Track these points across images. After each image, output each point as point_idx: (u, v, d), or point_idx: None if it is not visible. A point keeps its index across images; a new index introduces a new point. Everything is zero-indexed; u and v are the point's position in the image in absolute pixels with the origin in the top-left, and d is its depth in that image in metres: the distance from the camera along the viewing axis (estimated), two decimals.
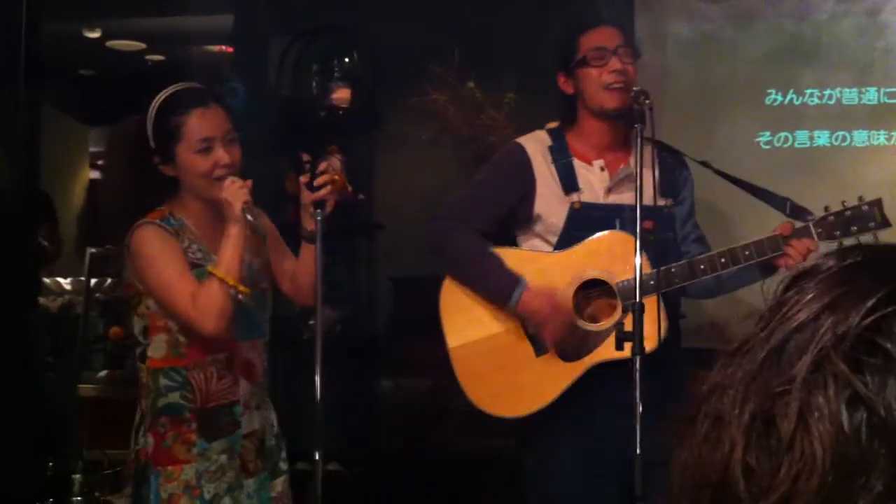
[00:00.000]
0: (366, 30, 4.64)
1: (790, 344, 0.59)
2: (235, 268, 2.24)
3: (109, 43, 6.41)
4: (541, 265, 2.55)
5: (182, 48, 6.32)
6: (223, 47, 5.89)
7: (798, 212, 2.46)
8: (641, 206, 2.23)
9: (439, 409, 4.20)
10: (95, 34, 6.18)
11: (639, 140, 2.29)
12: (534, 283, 2.50)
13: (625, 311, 2.41)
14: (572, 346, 2.49)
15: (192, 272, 2.28)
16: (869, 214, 2.38)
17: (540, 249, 2.58)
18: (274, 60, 4.75)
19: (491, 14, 4.59)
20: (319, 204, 2.34)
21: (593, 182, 2.55)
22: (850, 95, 4.09)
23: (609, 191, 2.55)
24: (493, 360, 2.57)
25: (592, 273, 2.48)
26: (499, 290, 2.51)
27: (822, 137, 4.10)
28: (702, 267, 2.41)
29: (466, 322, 2.60)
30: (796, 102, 4.14)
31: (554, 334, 2.48)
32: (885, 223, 2.40)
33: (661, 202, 2.48)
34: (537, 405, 2.51)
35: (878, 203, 2.40)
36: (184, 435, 2.30)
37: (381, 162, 4.87)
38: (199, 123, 2.28)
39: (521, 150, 2.60)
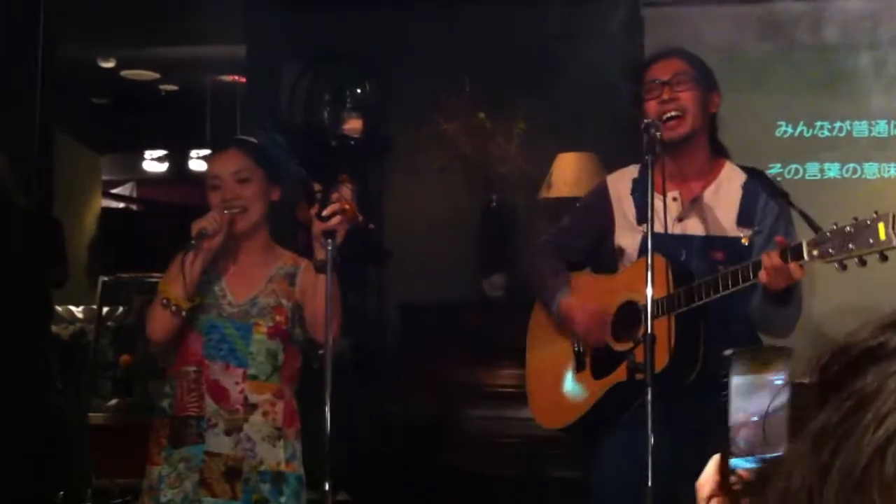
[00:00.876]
0: (377, 60, 4.68)
1: (895, 447, 0.52)
2: (173, 283, 2.47)
3: (124, 72, 6.48)
4: (593, 286, 2.66)
5: (196, 78, 6.37)
6: (236, 77, 5.94)
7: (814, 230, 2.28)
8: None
9: (448, 433, 4.19)
10: (110, 63, 6.25)
11: (650, 172, 2.28)
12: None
13: (641, 337, 2.40)
14: (602, 363, 2.56)
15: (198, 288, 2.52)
16: (870, 231, 2.07)
17: None
18: (286, 90, 4.78)
19: (502, 45, 4.62)
20: (330, 234, 2.38)
21: (664, 212, 2.52)
22: (860, 128, 4.10)
23: (679, 220, 2.53)
24: (547, 375, 2.72)
25: (627, 295, 2.52)
26: (547, 293, 2.66)
27: (833, 170, 4.11)
28: (705, 289, 2.33)
29: (542, 340, 2.75)
30: (807, 135, 4.15)
31: (587, 332, 2.56)
32: (889, 242, 2.05)
33: (735, 232, 2.44)
34: (569, 419, 2.64)
35: (884, 218, 2.05)
36: (159, 438, 2.52)
37: (391, 190, 4.89)
38: (212, 162, 2.65)
39: (603, 186, 2.70)
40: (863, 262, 2.10)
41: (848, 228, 2.10)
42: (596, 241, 2.69)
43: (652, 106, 2.50)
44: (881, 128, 4.07)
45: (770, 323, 2.47)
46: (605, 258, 2.70)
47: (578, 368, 2.63)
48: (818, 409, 0.56)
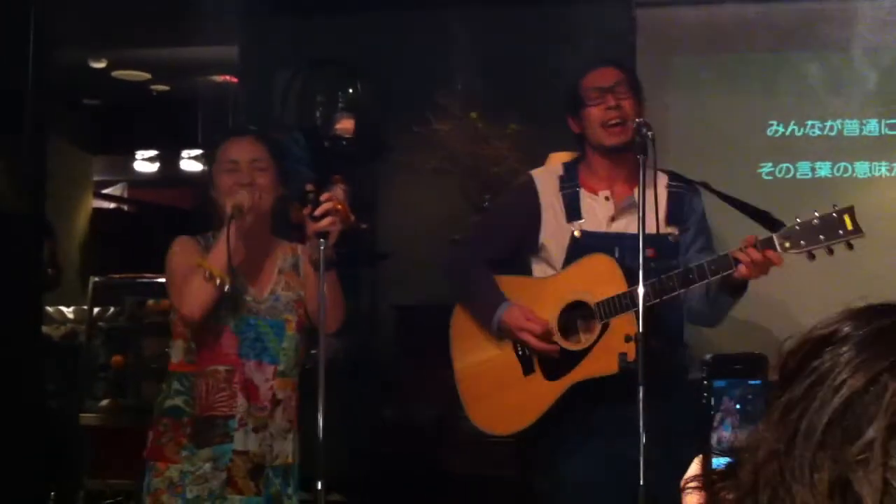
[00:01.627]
0: (370, 60, 4.68)
1: (854, 408, 0.60)
2: (218, 258, 2.39)
3: (115, 73, 6.46)
4: (532, 290, 2.66)
5: (187, 78, 6.36)
6: (228, 77, 5.94)
7: (776, 225, 2.42)
8: (644, 233, 2.28)
9: (443, 436, 4.19)
10: (101, 64, 6.23)
11: (641, 171, 2.32)
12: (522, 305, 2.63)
13: (603, 329, 2.49)
14: (555, 365, 2.56)
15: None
16: (839, 222, 2.28)
17: (547, 274, 2.67)
18: (278, 91, 4.78)
19: (494, 45, 4.63)
20: (323, 234, 2.40)
21: (597, 211, 2.63)
22: (851, 127, 4.12)
23: (612, 219, 2.62)
24: (488, 380, 2.69)
25: (575, 295, 2.56)
26: (485, 311, 2.65)
27: (824, 168, 4.12)
28: (671, 284, 2.42)
29: (471, 346, 2.72)
30: (798, 134, 4.17)
31: (537, 344, 2.56)
32: (857, 231, 2.28)
33: (666, 230, 2.52)
34: (523, 424, 2.61)
35: (848, 210, 2.29)
36: (178, 438, 2.46)
37: (384, 191, 4.89)
38: (230, 147, 2.56)
39: (530, 182, 2.71)
40: (830, 252, 2.31)
41: (815, 221, 2.30)
42: (520, 240, 2.71)
43: (595, 112, 2.60)
44: (872, 127, 4.09)
45: (711, 315, 2.62)
46: (522, 257, 2.72)
47: (526, 371, 2.62)
48: (783, 391, 0.65)
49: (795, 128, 4.15)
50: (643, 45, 4.37)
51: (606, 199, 2.63)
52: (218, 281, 2.38)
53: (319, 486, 2.30)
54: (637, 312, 2.32)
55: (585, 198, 2.65)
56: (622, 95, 2.60)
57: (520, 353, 2.63)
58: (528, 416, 2.60)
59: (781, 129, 4.18)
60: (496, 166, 4.41)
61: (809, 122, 4.13)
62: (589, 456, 2.50)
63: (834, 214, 2.29)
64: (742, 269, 2.34)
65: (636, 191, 2.51)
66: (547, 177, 2.71)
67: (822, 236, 2.30)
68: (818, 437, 0.60)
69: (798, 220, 2.33)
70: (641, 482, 2.12)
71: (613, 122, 2.57)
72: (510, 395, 2.64)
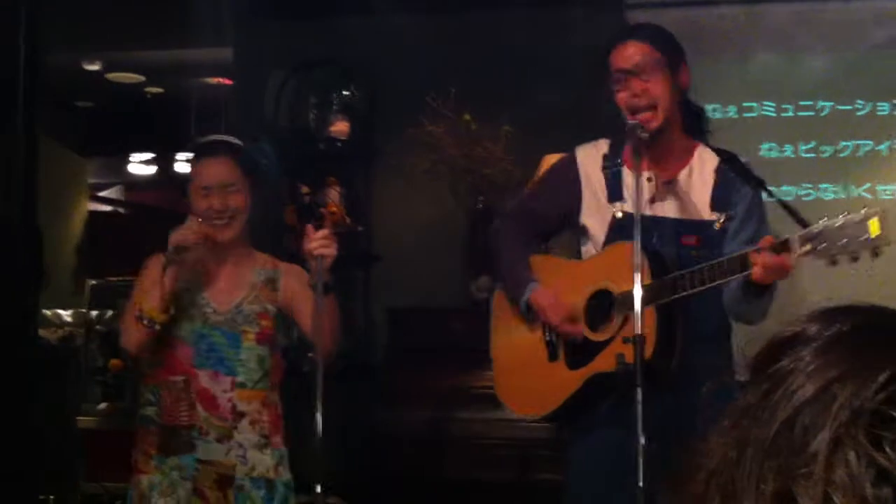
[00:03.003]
0: (364, 63, 4.68)
1: (802, 417, 0.58)
2: (147, 296, 2.45)
3: (109, 75, 6.45)
4: (564, 273, 2.56)
5: (181, 81, 6.35)
6: (222, 80, 5.93)
7: (801, 224, 2.21)
8: (678, 219, 2.24)
9: (437, 439, 4.19)
10: (95, 66, 6.22)
11: (636, 174, 2.26)
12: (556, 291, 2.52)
13: (623, 323, 2.35)
14: (577, 354, 2.48)
15: (174, 300, 2.49)
16: (863, 225, 2.02)
17: (590, 255, 2.54)
18: (273, 93, 4.78)
19: (487, 47, 4.63)
20: (321, 273, 2.41)
21: (634, 191, 2.37)
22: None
23: (652, 201, 2.43)
24: (517, 361, 2.64)
25: (602, 284, 2.43)
26: (515, 290, 2.58)
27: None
28: (688, 279, 2.25)
29: (507, 325, 2.67)
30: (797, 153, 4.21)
31: (559, 325, 2.46)
32: (883, 238, 2.01)
33: (710, 216, 2.39)
34: (544, 410, 2.58)
35: (877, 213, 2.02)
36: (147, 448, 2.52)
37: (378, 193, 4.90)
38: (203, 170, 2.57)
39: (572, 160, 2.55)
40: (854, 258, 2.04)
41: (839, 224, 2.05)
42: (562, 218, 2.59)
43: (622, 98, 2.39)
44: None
45: (748, 314, 2.40)
46: (567, 236, 2.64)
47: (551, 358, 2.54)
48: (743, 394, 0.63)
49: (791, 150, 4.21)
50: None
51: (649, 179, 2.42)
52: (146, 321, 2.43)
53: (319, 489, 2.30)
54: (656, 307, 2.24)
55: (627, 177, 2.44)
56: (648, 77, 2.36)
57: (547, 338, 2.55)
58: (550, 403, 2.54)
59: (774, 114, 4.23)
60: (489, 168, 4.42)
61: (805, 114, 4.19)
62: (603, 448, 2.41)
63: (858, 218, 2.03)
64: (757, 271, 2.14)
65: (683, 171, 2.43)
66: (590, 152, 2.53)
67: (844, 240, 2.04)
68: (766, 447, 0.59)
69: (821, 221, 2.08)
70: (640, 483, 2.08)
71: (640, 107, 2.35)
72: (534, 379, 2.60)
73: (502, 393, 2.69)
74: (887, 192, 4.11)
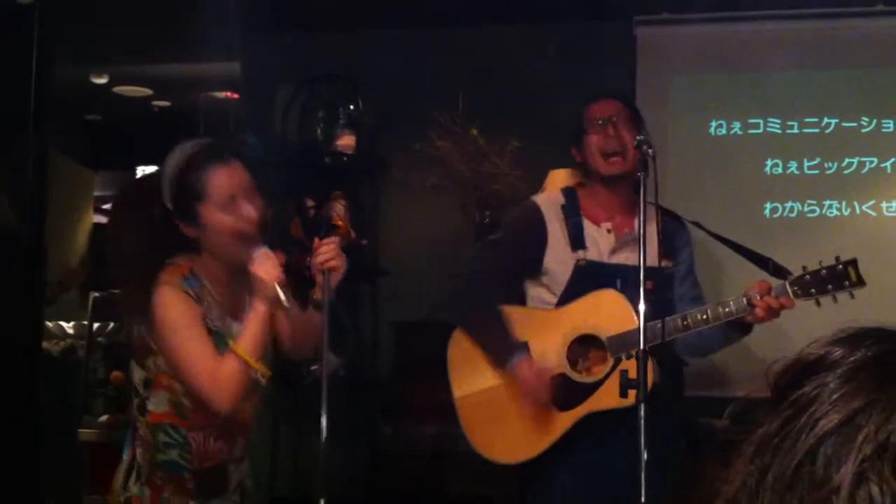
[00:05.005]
0: (371, 77, 4.69)
1: (825, 448, 0.56)
2: (259, 348, 2.17)
3: (116, 88, 6.48)
4: (541, 322, 2.70)
5: (188, 94, 6.38)
6: (229, 93, 5.95)
7: (780, 271, 2.59)
8: (645, 263, 2.30)
9: (441, 453, 4.17)
10: (102, 80, 6.25)
11: (643, 187, 2.32)
12: (534, 340, 2.67)
13: (615, 363, 2.55)
14: (566, 396, 2.60)
15: (211, 339, 2.21)
16: (843, 274, 2.48)
17: (544, 300, 2.73)
18: (280, 106, 4.79)
19: (495, 62, 4.64)
20: (328, 287, 2.27)
21: (600, 242, 2.70)
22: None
23: (613, 252, 2.69)
24: (493, 409, 2.70)
25: (585, 329, 2.61)
26: (499, 354, 2.67)
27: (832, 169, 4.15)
28: (685, 323, 2.53)
29: (471, 373, 2.74)
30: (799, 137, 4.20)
31: (537, 401, 2.60)
32: (860, 283, 2.48)
33: (661, 263, 2.58)
34: (531, 453, 2.64)
35: (852, 263, 2.49)
36: (181, 495, 2.25)
37: (384, 208, 4.90)
38: (222, 181, 2.21)
39: (536, 209, 2.77)
40: (835, 299, 2.48)
41: (822, 272, 2.48)
42: (524, 264, 2.76)
43: (595, 140, 2.68)
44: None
45: (716, 349, 2.75)
46: (530, 277, 2.76)
47: None
48: (763, 419, 0.62)
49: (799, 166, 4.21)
50: (643, 63, 4.39)
51: (608, 231, 2.71)
52: (255, 373, 2.16)
53: (322, 502, 2.27)
54: (647, 350, 2.33)
55: (589, 228, 2.72)
56: (623, 128, 2.67)
57: None
58: (536, 446, 2.63)
59: (779, 131, 4.23)
60: (497, 183, 4.41)
61: (810, 130, 4.19)
62: (598, 486, 2.56)
63: (840, 266, 2.48)
64: (759, 313, 2.48)
65: (635, 224, 2.63)
66: (550, 204, 2.77)
67: (829, 286, 2.48)
68: (787, 478, 0.57)
69: (805, 269, 2.50)
70: (643, 499, 2.12)
71: (611, 151, 2.65)
72: (518, 424, 2.66)
73: (480, 444, 2.72)
74: (892, 209, 4.10)
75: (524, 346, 2.65)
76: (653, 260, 2.53)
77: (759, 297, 2.48)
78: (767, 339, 2.74)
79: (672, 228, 2.74)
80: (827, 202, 4.16)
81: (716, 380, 3.67)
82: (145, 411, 2.27)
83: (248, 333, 2.17)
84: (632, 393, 2.24)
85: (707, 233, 2.75)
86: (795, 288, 2.50)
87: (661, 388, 2.52)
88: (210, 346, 2.17)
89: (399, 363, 4.63)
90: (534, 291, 2.76)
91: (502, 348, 2.66)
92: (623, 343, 2.53)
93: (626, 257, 2.66)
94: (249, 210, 2.20)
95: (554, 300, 2.71)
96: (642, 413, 2.17)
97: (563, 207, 2.75)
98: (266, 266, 2.16)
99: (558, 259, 2.70)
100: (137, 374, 2.29)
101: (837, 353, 0.61)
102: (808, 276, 2.50)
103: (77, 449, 4.34)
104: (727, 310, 2.51)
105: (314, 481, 2.33)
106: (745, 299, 2.50)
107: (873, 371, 0.58)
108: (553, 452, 2.63)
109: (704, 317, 2.53)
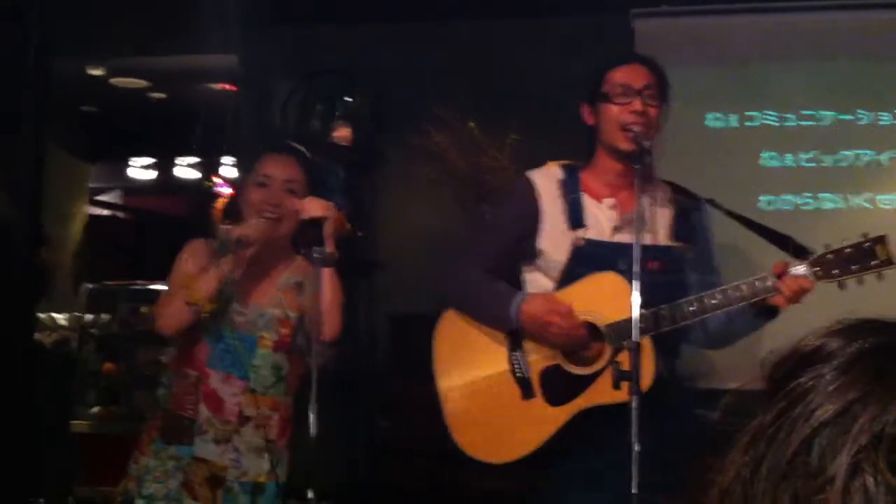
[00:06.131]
0: (369, 70, 4.68)
1: (820, 439, 0.56)
2: (202, 286, 2.40)
3: (113, 80, 6.47)
4: None
5: (186, 87, 6.36)
6: (227, 86, 5.94)
7: (800, 251, 2.31)
8: (640, 245, 2.18)
9: (436, 447, 4.17)
10: (99, 71, 6.23)
11: (637, 182, 2.25)
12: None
13: (614, 353, 2.31)
14: (559, 389, 2.38)
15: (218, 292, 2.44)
16: (870, 252, 2.21)
17: (541, 285, 2.47)
18: (277, 100, 4.78)
19: (493, 56, 4.63)
20: (318, 241, 2.35)
21: (601, 219, 2.44)
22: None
23: (616, 230, 2.43)
24: (480, 403, 2.47)
25: (582, 316, 2.36)
26: (498, 307, 2.41)
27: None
28: (692, 308, 2.29)
29: (457, 364, 2.52)
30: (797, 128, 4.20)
31: (561, 334, 2.35)
32: (890, 262, 2.21)
33: (672, 243, 2.41)
34: (522, 451, 2.41)
35: (881, 240, 2.22)
36: (150, 430, 2.51)
37: (381, 201, 4.89)
38: (267, 164, 2.53)
39: (529, 184, 2.50)
40: (861, 281, 2.20)
41: (847, 251, 2.21)
42: (515, 246, 2.50)
43: (616, 112, 2.40)
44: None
45: (740, 337, 2.47)
46: (525, 260, 2.51)
47: (526, 396, 2.42)
48: (759, 411, 0.61)
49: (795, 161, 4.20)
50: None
51: (611, 207, 2.44)
52: (194, 308, 2.39)
53: (310, 494, 2.27)
54: (651, 337, 2.25)
55: (589, 204, 2.45)
56: (651, 101, 2.40)
57: (518, 374, 2.43)
58: (528, 445, 2.40)
59: (775, 123, 4.22)
60: (494, 176, 4.40)
61: (807, 123, 4.18)
62: (594, 488, 2.31)
63: (867, 244, 2.22)
64: (781, 299, 2.25)
65: (643, 199, 2.39)
66: (546, 179, 2.50)
67: (854, 266, 2.21)
68: (782, 468, 0.57)
69: (828, 247, 2.24)
70: (634, 490, 2.04)
71: (635, 126, 2.36)
72: (506, 421, 2.43)
73: (465, 442, 2.48)
74: (887, 202, 4.09)
75: (520, 292, 2.42)
76: (662, 238, 2.38)
77: (777, 279, 2.24)
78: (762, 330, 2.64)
79: (686, 206, 2.49)
80: (822, 195, 4.15)
81: (708, 371, 3.66)
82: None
83: (199, 273, 2.43)
84: (622, 386, 2.09)
85: (722, 211, 2.48)
86: (817, 269, 2.23)
87: (667, 380, 2.36)
88: (181, 284, 2.44)
89: (395, 356, 4.62)
90: (530, 276, 2.51)
91: (497, 300, 2.41)
92: (623, 331, 2.26)
93: (630, 236, 2.33)
94: (271, 196, 2.46)
95: (552, 285, 2.44)
96: (635, 406, 2.06)
97: (562, 182, 2.47)
98: (247, 225, 2.45)
99: (554, 239, 2.43)
100: None
101: (834, 345, 0.61)
102: (830, 255, 2.23)
103: (70, 440, 4.33)
104: (739, 294, 2.27)
105: (306, 474, 2.32)
106: (758, 282, 2.26)
107: (869, 363, 0.58)
108: (547, 451, 2.40)
109: (714, 301, 2.27)
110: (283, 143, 2.67)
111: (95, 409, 4.50)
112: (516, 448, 2.43)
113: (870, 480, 0.53)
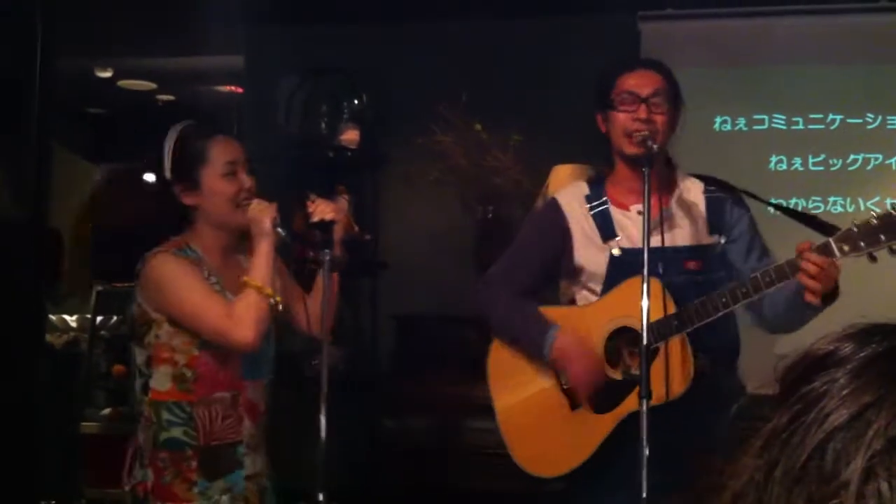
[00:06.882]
0: (374, 72, 4.69)
1: (834, 444, 0.56)
2: (268, 277, 2.23)
3: (120, 82, 6.48)
4: (574, 319, 2.49)
5: (192, 88, 6.38)
6: (233, 88, 5.95)
7: (828, 230, 2.24)
8: (677, 246, 2.22)
9: (442, 447, 4.17)
10: (107, 73, 6.25)
11: (647, 185, 2.23)
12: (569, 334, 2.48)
13: (655, 354, 2.30)
14: (604, 397, 2.41)
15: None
16: None
17: (588, 300, 2.50)
18: (283, 101, 4.79)
19: (499, 57, 4.64)
20: (327, 244, 2.29)
21: (631, 227, 2.45)
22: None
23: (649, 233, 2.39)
24: (533, 419, 2.51)
25: (621, 321, 2.39)
26: (533, 338, 2.47)
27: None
28: (723, 300, 2.26)
29: (512, 384, 2.55)
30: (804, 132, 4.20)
31: (582, 377, 2.40)
32: None
33: (709, 240, 2.40)
34: (575, 462, 2.44)
35: None
36: (184, 472, 2.26)
37: (387, 202, 4.90)
38: (224, 147, 2.32)
39: (554, 205, 2.55)
40: (893, 252, 2.12)
41: (874, 222, 2.12)
42: (552, 265, 2.54)
43: (623, 118, 2.40)
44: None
45: (801, 320, 2.37)
46: (566, 279, 2.55)
47: (574, 406, 2.47)
48: (773, 414, 0.61)
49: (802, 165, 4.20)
50: (646, 57, 4.38)
51: (639, 213, 2.40)
52: (273, 301, 2.22)
53: (321, 497, 2.27)
54: (687, 333, 2.24)
55: (617, 214, 2.48)
56: (656, 109, 2.40)
57: (565, 386, 2.48)
58: (579, 454, 2.42)
59: (783, 127, 4.23)
60: (499, 177, 4.41)
61: (815, 126, 4.18)
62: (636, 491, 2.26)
63: (894, 212, 2.12)
64: (804, 276, 2.16)
65: (672, 200, 2.44)
66: (571, 197, 2.54)
67: (882, 236, 2.11)
68: (796, 472, 0.56)
69: (854, 222, 2.16)
70: (644, 494, 2.06)
71: (639, 134, 2.36)
72: (559, 433, 2.47)
73: (523, 459, 2.52)
74: None
75: (555, 326, 2.44)
76: (696, 237, 2.36)
77: (801, 259, 2.16)
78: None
79: (720, 200, 2.46)
80: (831, 199, 4.15)
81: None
82: (148, 390, 2.28)
83: (256, 266, 2.23)
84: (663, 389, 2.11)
85: (755, 198, 2.44)
86: (841, 244, 2.15)
87: (711, 378, 2.34)
88: (215, 291, 2.24)
89: (400, 356, 4.63)
90: (577, 293, 2.53)
91: (534, 332, 2.45)
92: (660, 332, 2.26)
93: (661, 239, 2.37)
94: (247, 180, 2.30)
95: (595, 300, 2.48)
96: (644, 409, 2.07)
97: (587, 197, 2.50)
98: (259, 208, 2.26)
99: (589, 254, 2.47)
100: (139, 357, 2.32)
101: (847, 349, 0.60)
102: (855, 229, 2.14)
103: (79, 442, 4.34)
104: (769, 279, 2.21)
105: (314, 475, 2.32)
106: (788, 265, 2.20)
107: (883, 367, 0.58)
108: (598, 462, 2.41)
109: (745, 290, 2.23)
110: (214, 126, 2.41)
111: (105, 411, 4.51)
112: (569, 460, 2.45)
113: (884, 485, 0.53)
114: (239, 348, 2.22)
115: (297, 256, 4.04)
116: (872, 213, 2.15)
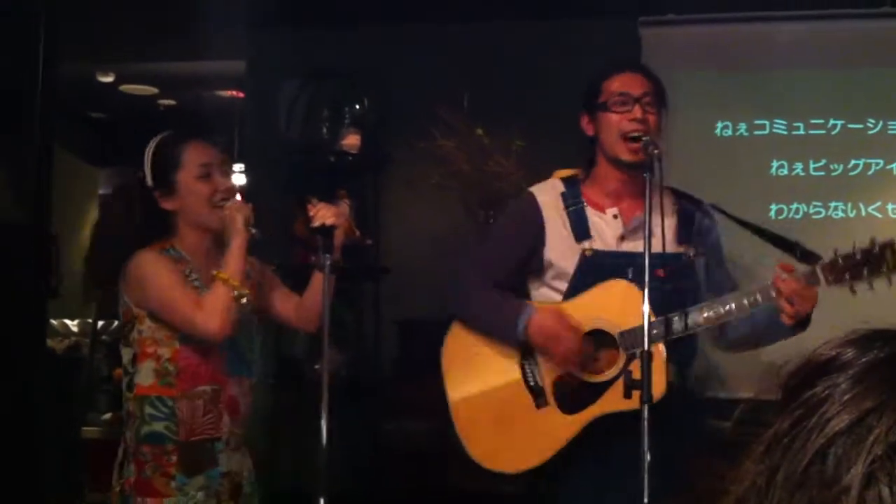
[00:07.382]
0: (376, 76, 4.69)
1: (835, 449, 0.56)
2: (239, 273, 2.29)
3: (122, 87, 6.50)
4: None
5: (194, 93, 6.39)
6: (234, 92, 5.96)
7: (808, 256, 2.30)
8: (650, 253, 2.18)
9: (445, 451, 4.17)
10: (109, 78, 6.27)
11: (648, 189, 2.23)
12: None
13: (628, 360, 2.32)
14: (573, 397, 2.39)
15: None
16: (880, 257, 2.20)
17: (549, 297, 2.48)
18: (284, 105, 4.79)
19: (500, 61, 4.64)
20: (328, 248, 2.31)
21: (605, 230, 2.46)
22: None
23: (622, 239, 2.45)
24: (492, 413, 2.46)
25: (594, 323, 2.37)
26: (507, 318, 2.42)
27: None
28: (706, 315, 2.30)
29: (468, 375, 2.51)
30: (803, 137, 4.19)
31: (566, 353, 2.36)
32: None
33: (677, 249, 2.41)
34: (536, 460, 2.41)
35: (890, 245, 2.21)
36: (164, 467, 2.29)
37: (388, 206, 4.90)
38: (198, 151, 2.39)
39: (531, 199, 2.52)
40: (871, 286, 2.20)
41: (857, 256, 2.19)
42: (521, 260, 2.50)
43: (616, 120, 2.40)
44: None
45: (771, 339, 2.42)
46: (532, 274, 2.52)
47: (539, 405, 2.42)
48: (774, 419, 0.61)
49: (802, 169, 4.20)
50: (648, 63, 4.38)
51: (615, 217, 2.45)
52: (236, 293, 2.25)
53: (322, 501, 2.26)
54: (665, 343, 2.25)
55: (593, 215, 2.47)
56: (649, 109, 2.40)
57: (531, 383, 2.43)
58: (542, 453, 2.39)
59: (784, 132, 4.23)
60: (500, 182, 4.41)
61: (816, 132, 4.18)
62: (607, 496, 2.32)
63: (876, 249, 2.21)
64: (785, 304, 2.22)
65: (646, 207, 2.40)
66: (548, 193, 2.52)
67: (865, 271, 2.19)
68: (797, 477, 0.57)
69: (838, 252, 2.22)
70: (646, 500, 2.04)
71: (636, 133, 2.35)
72: (520, 431, 2.43)
73: (478, 453, 2.47)
74: None
75: (530, 305, 2.41)
76: (668, 245, 2.36)
77: (782, 279, 2.22)
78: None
79: (691, 212, 2.49)
80: (832, 204, 4.16)
81: (721, 381, 3.66)
82: (132, 386, 2.34)
83: (227, 261, 2.30)
84: (636, 394, 2.07)
85: (727, 216, 2.49)
86: (827, 274, 2.21)
87: (679, 388, 2.35)
88: (188, 286, 2.31)
89: (401, 361, 4.63)
90: (538, 290, 2.52)
91: (508, 313, 2.41)
92: (637, 338, 2.27)
93: (636, 244, 2.36)
94: (222, 180, 2.37)
95: (559, 298, 2.45)
96: (646, 415, 2.06)
97: (563, 195, 2.49)
98: (234, 207, 2.33)
99: (561, 252, 2.45)
100: (126, 356, 2.38)
101: (849, 355, 0.60)
102: (840, 260, 2.21)
103: (80, 446, 4.34)
104: (752, 298, 2.26)
105: (315, 479, 2.31)
106: (768, 286, 2.24)
107: (885, 372, 0.58)
108: (560, 460, 2.39)
109: (728, 307, 2.27)
110: (200, 131, 2.51)
111: (107, 416, 4.52)
112: (530, 458, 2.42)
113: (885, 491, 0.53)
114: (206, 336, 2.27)
115: (299, 261, 4.05)
116: (855, 244, 2.21)
